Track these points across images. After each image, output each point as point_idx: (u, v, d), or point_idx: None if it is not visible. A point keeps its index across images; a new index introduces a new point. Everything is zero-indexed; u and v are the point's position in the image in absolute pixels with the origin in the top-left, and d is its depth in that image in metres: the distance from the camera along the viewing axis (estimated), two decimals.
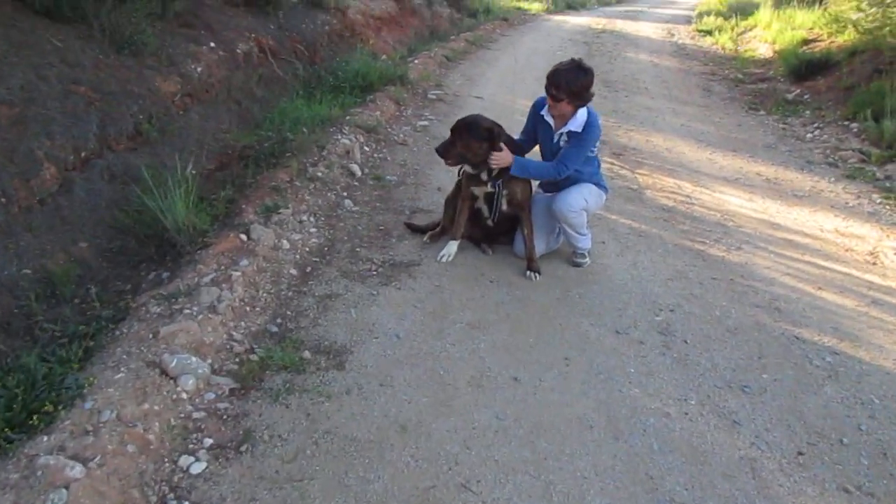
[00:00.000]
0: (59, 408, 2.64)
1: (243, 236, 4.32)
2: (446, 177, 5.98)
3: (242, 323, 3.58)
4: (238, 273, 3.87)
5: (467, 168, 4.42)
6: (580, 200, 4.37)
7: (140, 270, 4.30)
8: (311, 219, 4.89)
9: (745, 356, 3.69)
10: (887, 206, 5.97)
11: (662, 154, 7.56)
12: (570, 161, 4.33)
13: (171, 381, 2.98)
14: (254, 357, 3.32)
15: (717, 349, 3.73)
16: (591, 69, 4.23)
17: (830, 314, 4.18)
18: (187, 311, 3.45)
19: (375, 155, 6.51)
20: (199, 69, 6.29)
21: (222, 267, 3.96)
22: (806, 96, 10.18)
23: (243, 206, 4.76)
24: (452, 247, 4.56)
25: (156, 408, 2.80)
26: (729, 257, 4.96)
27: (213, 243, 4.22)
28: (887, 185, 6.54)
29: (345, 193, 5.48)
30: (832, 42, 11.74)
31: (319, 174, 5.49)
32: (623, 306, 4.12)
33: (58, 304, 3.63)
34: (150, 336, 3.24)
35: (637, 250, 4.96)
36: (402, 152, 6.71)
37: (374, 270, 4.31)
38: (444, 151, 4.27)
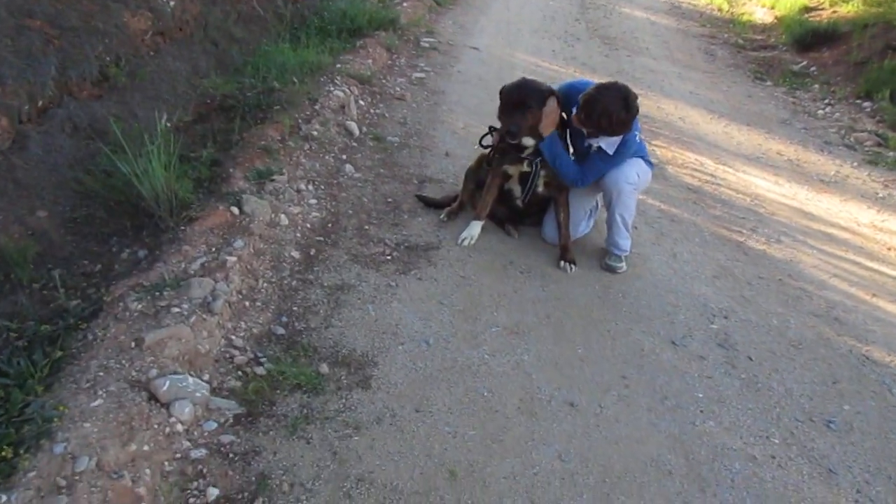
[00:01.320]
0: (22, 452, 2.02)
1: (234, 209, 3.66)
2: (453, 140, 5.37)
3: (242, 323, 2.97)
4: (233, 258, 3.24)
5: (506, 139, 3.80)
6: (634, 174, 3.80)
7: (111, 245, 3.63)
8: (310, 187, 4.24)
9: (818, 379, 3.24)
10: None
11: (676, 124, 7.05)
12: (592, 175, 3.81)
13: (163, 410, 2.38)
14: (260, 370, 2.72)
15: (786, 369, 3.27)
16: (635, 102, 3.56)
17: (894, 328, 3.75)
18: (176, 309, 2.82)
19: (372, 111, 5.82)
20: (171, 3, 5.46)
21: (213, 249, 3.32)
22: (812, 69, 9.73)
23: (231, 170, 4.07)
24: (476, 228, 3.98)
25: (145, 448, 2.20)
26: (771, 252, 4.50)
27: (199, 217, 3.56)
28: None
29: (344, 156, 4.81)
30: (835, 12, 11.28)
31: (314, 133, 4.81)
32: (672, 310, 3.62)
33: (13, 290, 2.96)
34: (133, 345, 2.61)
35: (674, 238, 4.46)
36: (401, 108, 6.03)
37: (388, 254, 3.71)
38: (519, 130, 3.62)
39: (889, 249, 4.84)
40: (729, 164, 6.07)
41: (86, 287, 3.34)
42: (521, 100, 3.60)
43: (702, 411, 2.88)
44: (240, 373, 2.71)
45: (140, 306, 2.88)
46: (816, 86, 9.13)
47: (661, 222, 4.69)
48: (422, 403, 2.69)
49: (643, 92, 7.98)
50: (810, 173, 6.16)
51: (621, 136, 3.64)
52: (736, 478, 2.57)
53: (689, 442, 2.70)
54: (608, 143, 3.67)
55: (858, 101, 8.41)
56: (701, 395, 2.98)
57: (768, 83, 9.18)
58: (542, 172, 3.81)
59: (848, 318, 3.80)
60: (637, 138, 3.71)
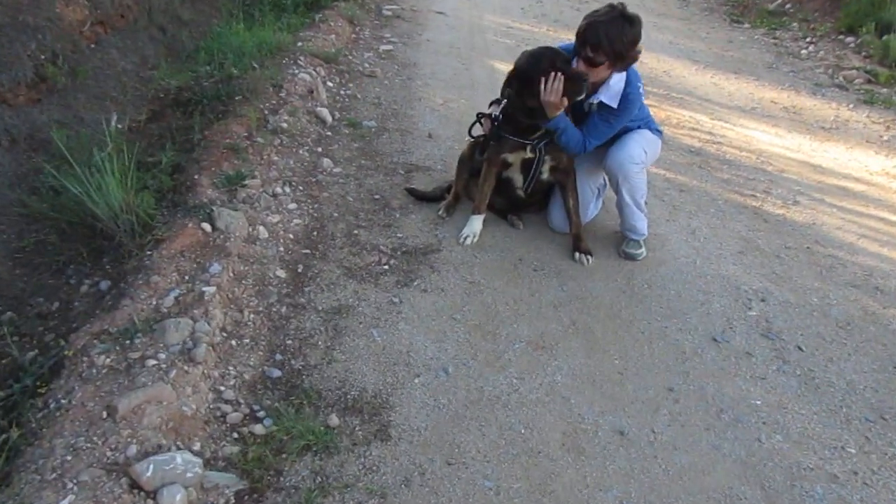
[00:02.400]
0: None
1: (206, 225, 3.21)
2: (433, 119, 4.92)
3: (231, 369, 2.54)
4: (211, 288, 2.79)
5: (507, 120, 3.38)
6: (640, 151, 3.41)
7: (68, 277, 3.17)
8: (287, 189, 3.77)
9: (877, 366, 2.94)
10: None
11: (663, 79, 6.66)
12: (596, 138, 3.40)
13: (150, 500, 1.95)
14: (259, 429, 2.31)
15: (840, 357, 2.96)
16: (638, 18, 3.19)
17: None
18: (151, 361, 2.39)
19: (342, 92, 5.33)
20: None
21: (186, 278, 2.87)
22: (788, 6, 9.38)
23: (195, 177, 3.60)
24: (477, 224, 3.57)
25: None
26: (791, 216, 4.17)
27: (166, 238, 3.10)
28: None
29: (319, 149, 4.34)
30: None
31: (284, 125, 4.32)
32: (705, 298, 3.27)
33: None
34: (104, 414, 2.17)
35: (688, 212, 4.10)
36: (373, 86, 5.55)
37: (385, 263, 3.29)
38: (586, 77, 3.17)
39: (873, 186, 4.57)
40: (725, 119, 5.72)
41: (42, 332, 2.90)
42: (565, 57, 3.19)
43: (764, 423, 2.55)
44: (236, 435, 2.30)
45: (108, 360, 2.45)
46: (795, 24, 8.79)
47: (671, 194, 4.32)
48: (452, 453, 2.31)
49: None
50: (809, 121, 5.84)
51: (623, 85, 3.24)
52: None
53: (759, 465, 2.37)
54: (610, 96, 3.27)
55: (841, 37, 8.11)
56: (759, 403, 2.65)
57: (746, 25, 8.82)
58: (547, 158, 3.39)
59: (888, 286, 3.50)
60: (640, 90, 3.31)
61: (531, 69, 3.22)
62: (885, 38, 7.49)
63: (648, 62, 7.09)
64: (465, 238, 3.51)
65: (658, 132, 3.61)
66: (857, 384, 2.80)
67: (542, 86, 3.13)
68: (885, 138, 5.51)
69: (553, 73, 3.11)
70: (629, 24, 3.13)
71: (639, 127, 3.50)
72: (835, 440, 2.50)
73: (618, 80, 3.25)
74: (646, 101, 3.52)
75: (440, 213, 3.71)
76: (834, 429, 2.55)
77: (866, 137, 5.55)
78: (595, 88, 3.29)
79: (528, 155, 3.38)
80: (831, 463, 2.39)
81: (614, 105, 3.27)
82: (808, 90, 6.68)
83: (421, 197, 3.87)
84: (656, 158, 3.74)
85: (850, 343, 3.05)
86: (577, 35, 3.19)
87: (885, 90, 6.71)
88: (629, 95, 3.26)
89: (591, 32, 3.13)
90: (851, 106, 6.27)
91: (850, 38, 8.05)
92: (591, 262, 3.45)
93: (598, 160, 3.56)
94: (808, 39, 8.23)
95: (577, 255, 3.47)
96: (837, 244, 3.86)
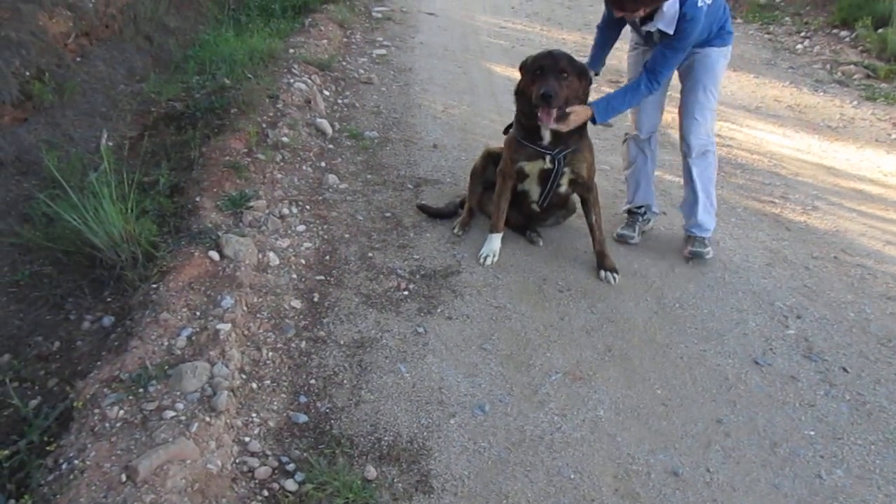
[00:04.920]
0: None
1: (213, 253, 3.01)
2: (436, 127, 4.75)
3: (254, 415, 2.36)
4: (226, 325, 2.61)
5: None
6: (702, 128, 3.36)
7: (67, 312, 2.97)
8: (294, 210, 3.59)
9: None
10: None
11: None
12: (664, 67, 3.17)
13: None
14: (290, 485, 2.13)
15: (888, 378, 2.84)
16: None
17: None
18: (169, 413, 2.20)
19: (340, 101, 5.13)
20: None
21: (197, 314, 2.67)
22: (779, 0, 9.31)
23: (197, 199, 3.40)
24: (496, 243, 3.41)
25: None
26: (812, 223, 4.06)
27: (172, 268, 2.90)
28: None
29: (322, 163, 4.16)
30: None
31: (284, 139, 4.12)
32: (740, 316, 3.14)
33: None
34: (123, 478, 1.98)
35: None
36: (370, 94, 5.36)
37: (405, 288, 3.12)
38: (555, 95, 2.98)
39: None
40: (732, 120, 5.61)
41: (44, 377, 2.70)
42: (555, 65, 3.00)
43: (822, 457, 2.41)
44: (266, 492, 2.12)
45: (122, 412, 2.25)
46: (788, 18, 8.73)
47: None
48: (500, 503, 2.14)
49: (617, 46, 7.40)
50: (815, 120, 5.74)
51: (677, 7, 2.99)
52: None
53: None
54: (665, 22, 3.04)
55: (835, 31, 8.04)
56: (813, 433, 2.51)
57: (738, 20, 8.72)
58: (566, 169, 3.24)
59: None
60: (698, 3, 2.99)
61: (526, 73, 3.17)
62: (880, 31, 7.43)
63: None
64: (485, 258, 3.35)
65: (726, 36, 3.38)
66: None
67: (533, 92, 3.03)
68: (894, 136, 5.42)
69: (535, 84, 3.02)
70: None
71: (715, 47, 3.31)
72: None
73: (671, 3, 2.99)
74: None
75: (455, 231, 3.54)
76: (895, 460, 2.42)
77: (875, 136, 5.46)
78: (651, 16, 3.06)
79: (548, 165, 3.22)
80: None
81: (671, 31, 3.04)
82: (809, 87, 6.58)
83: (434, 214, 3.70)
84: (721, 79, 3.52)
85: (895, 362, 2.93)
86: None
87: (885, 85, 6.64)
88: (686, 16, 3.01)
89: None
90: (855, 103, 6.18)
91: (844, 32, 7.98)
92: (617, 280, 3.30)
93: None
94: (802, 34, 8.16)
95: (602, 273, 3.33)
96: (865, 252, 3.75)
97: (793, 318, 3.16)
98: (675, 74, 3.38)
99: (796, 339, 3.02)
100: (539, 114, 3.03)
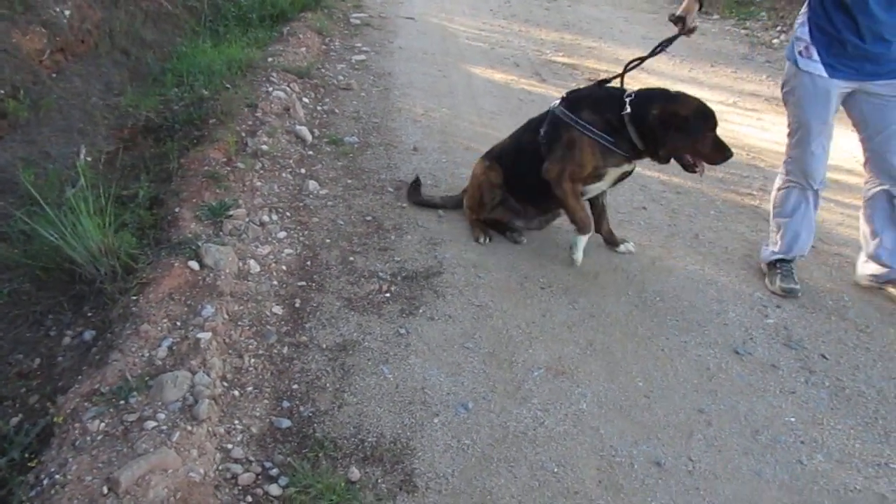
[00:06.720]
0: None
1: (193, 263, 3.01)
2: (416, 131, 4.78)
3: (236, 423, 2.36)
4: (206, 334, 2.61)
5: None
6: None
7: (47, 328, 2.96)
8: (274, 217, 3.58)
9: None
10: None
11: (641, 75, 6.53)
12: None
13: None
14: (274, 490, 2.13)
15: (866, 363, 2.87)
16: None
17: None
18: (150, 423, 2.19)
19: (319, 108, 5.14)
20: (67, 13, 4.62)
21: (178, 324, 2.67)
22: None
23: (176, 210, 3.40)
24: (584, 242, 3.38)
25: None
26: None
27: (152, 280, 2.90)
28: None
29: (302, 170, 4.16)
30: None
31: (264, 147, 4.13)
32: (719, 307, 3.17)
33: None
34: (105, 489, 1.98)
35: (688, 215, 4.01)
36: (350, 100, 5.37)
37: (386, 290, 3.13)
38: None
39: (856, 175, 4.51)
40: None
41: (25, 394, 2.68)
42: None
43: (803, 442, 2.44)
44: (249, 498, 2.12)
45: (103, 425, 2.24)
46: (764, 13, 8.81)
47: (668, 196, 4.22)
48: (485, 501, 2.16)
49: (596, 43, 7.48)
50: None
51: None
52: None
53: (805, 490, 2.25)
54: None
55: None
56: (793, 420, 2.54)
57: (715, 16, 8.81)
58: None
59: None
60: None
61: (697, 123, 3.03)
62: None
63: (624, 57, 6.98)
64: (576, 262, 3.37)
65: None
66: (887, 392, 2.71)
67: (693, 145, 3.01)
68: None
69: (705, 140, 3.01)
70: None
71: None
72: (876, 456, 2.40)
73: None
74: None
75: (481, 240, 3.57)
76: (874, 443, 2.45)
77: (849, 126, 5.48)
78: None
79: (629, 168, 3.26)
80: (877, 482, 2.29)
81: None
82: None
83: (427, 204, 3.80)
84: None
85: (872, 348, 2.97)
86: None
87: None
88: None
89: None
90: None
91: None
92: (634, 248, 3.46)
93: None
94: (778, 28, 8.24)
95: (622, 246, 3.50)
96: (842, 241, 3.79)
97: (772, 308, 3.19)
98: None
99: (776, 328, 3.05)
100: (698, 167, 3.10)
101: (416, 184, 3.91)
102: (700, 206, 4.11)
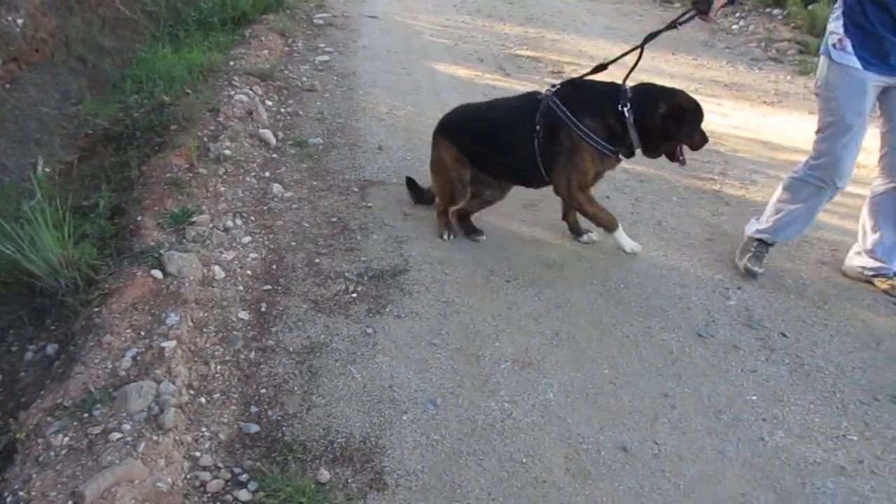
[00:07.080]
0: None
1: (156, 272, 2.99)
2: (381, 129, 4.77)
3: (204, 430, 2.36)
4: (171, 343, 2.60)
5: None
6: None
7: (8, 344, 2.93)
8: (239, 222, 3.57)
9: (860, 344, 2.93)
10: None
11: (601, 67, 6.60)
12: None
13: None
14: (243, 495, 2.14)
15: (823, 340, 2.94)
16: None
17: None
18: (115, 434, 2.19)
19: (283, 110, 5.12)
20: (20, 21, 4.56)
21: (142, 333, 2.66)
22: None
23: (138, 219, 3.37)
24: (625, 236, 3.50)
25: None
26: (750, 196, 4.19)
27: (115, 290, 2.88)
28: None
29: (266, 173, 4.14)
30: None
31: (227, 152, 4.11)
32: (682, 292, 3.22)
33: None
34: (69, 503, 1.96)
35: (650, 202, 4.06)
36: (314, 101, 5.35)
37: (353, 291, 3.13)
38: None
39: (858, 167, 4.58)
40: None
41: None
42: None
43: (764, 420, 2.49)
44: None
45: (66, 439, 2.23)
46: None
47: (631, 185, 4.27)
48: (455, 494, 2.17)
49: (559, 35, 7.52)
50: (752, 97, 5.90)
51: None
52: (836, 501, 2.18)
53: (767, 466, 2.30)
54: None
55: (769, 10, 8.23)
56: (755, 398, 2.59)
57: (676, 5, 8.90)
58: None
59: None
60: None
61: (699, 115, 3.22)
62: (810, 7, 7.63)
63: (587, 49, 7.07)
64: (632, 248, 3.46)
65: None
66: (844, 366, 2.77)
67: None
68: None
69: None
70: None
71: None
72: (835, 429, 2.46)
73: None
74: None
75: (478, 238, 3.59)
76: (832, 417, 2.51)
77: (808, 108, 5.62)
78: None
79: (619, 161, 3.38)
80: (836, 454, 2.35)
81: None
82: (745, 65, 6.75)
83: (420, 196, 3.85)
84: None
85: (830, 324, 3.04)
86: None
87: (817, 59, 6.78)
88: None
89: None
90: (789, 78, 6.36)
91: (777, 11, 8.18)
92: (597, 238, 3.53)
93: None
94: (737, 14, 8.34)
95: (585, 236, 3.55)
96: None
97: (734, 290, 3.25)
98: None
99: (737, 310, 3.11)
100: (681, 158, 3.27)
101: (412, 184, 3.88)
102: (662, 192, 4.17)
